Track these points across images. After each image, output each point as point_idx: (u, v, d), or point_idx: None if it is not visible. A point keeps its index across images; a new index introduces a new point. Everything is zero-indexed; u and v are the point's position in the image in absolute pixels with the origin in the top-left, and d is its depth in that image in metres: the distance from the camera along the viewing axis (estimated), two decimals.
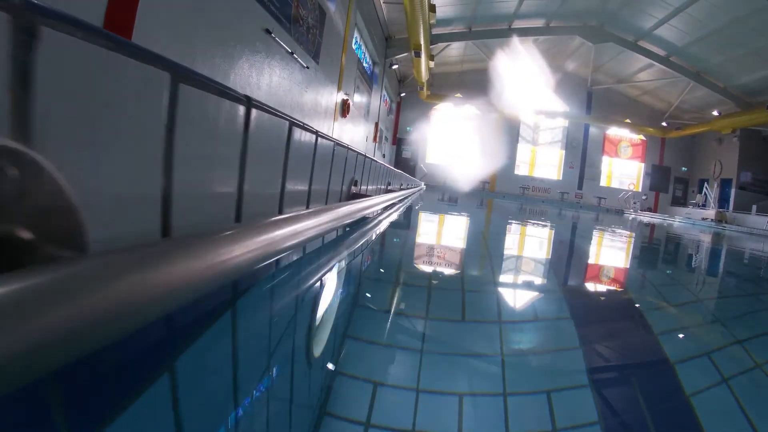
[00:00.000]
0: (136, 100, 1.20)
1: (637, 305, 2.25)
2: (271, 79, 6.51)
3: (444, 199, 13.94)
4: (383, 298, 1.87)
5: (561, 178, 27.65)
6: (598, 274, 3.20)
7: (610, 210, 24.40)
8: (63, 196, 0.84)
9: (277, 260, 1.67)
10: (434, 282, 2.20)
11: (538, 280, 2.70)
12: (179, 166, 1.37)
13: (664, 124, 25.80)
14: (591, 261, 3.99)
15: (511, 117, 26.27)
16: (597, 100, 26.68)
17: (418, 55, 15.24)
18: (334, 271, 2.16)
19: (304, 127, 2.46)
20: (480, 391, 1.09)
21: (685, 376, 1.32)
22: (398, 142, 26.77)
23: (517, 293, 2.16)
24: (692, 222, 20.11)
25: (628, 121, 26.53)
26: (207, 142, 1.54)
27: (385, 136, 23.39)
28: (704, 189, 24.56)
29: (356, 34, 13.36)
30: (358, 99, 14.32)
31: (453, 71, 25.52)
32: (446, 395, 1.04)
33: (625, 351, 1.51)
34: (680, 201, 27.67)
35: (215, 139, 1.60)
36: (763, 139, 22.83)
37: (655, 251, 5.89)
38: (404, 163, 26.14)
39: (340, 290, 1.89)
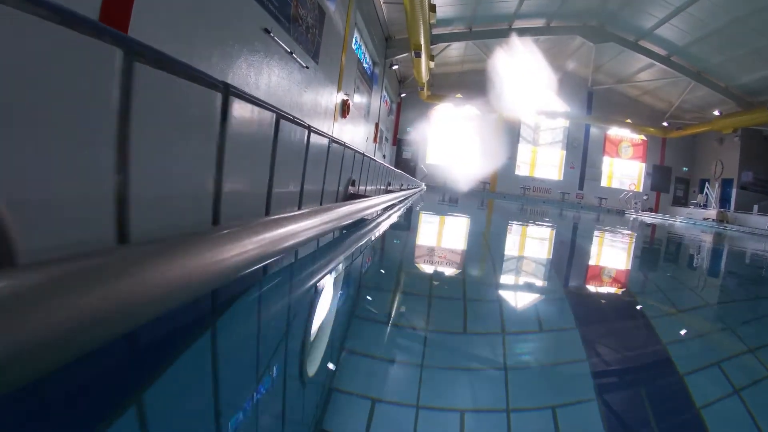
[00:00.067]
0: (77, 81, 0.98)
1: (645, 312, 2.18)
2: (270, 78, 6.46)
3: (444, 199, 13.89)
4: (380, 306, 1.78)
5: (562, 179, 27.59)
6: (604, 279, 3.13)
7: (611, 210, 24.33)
8: None
9: (265, 266, 1.49)
10: (435, 290, 2.11)
11: (543, 287, 2.61)
12: (141, 162, 1.16)
13: (665, 124, 25.73)
14: (596, 265, 3.90)
15: (511, 117, 26.22)
16: (598, 100, 26.62)
17: (418, 55, 15.19)
18: (330, 276, 2.04)
19: (294, 121, 2.26)
20: (483, 407, 1.04)
21: (697, 389, 1.27)
22: (398, 142, 26.72)
23: (521, 301, 2.07)
24: (693, 222, 20.05)
25: (628, 121, 26.48)
26: (172, 135, 1.31)
27: (386, 137, 23.33)
28: (705, 189, 24.50)
29: (356, 34, 13.31)
30: (358, 99, 14.27)
31: (453, 71, 25.47)
32: (447, 411, 0.98)
33: (634, 364, 1.45)
34: (681, 201, 27.60)
35: (184, 131, 1.37)
36: (765, 138, 22.76)
37: (661, 253, 5.83)
38: (404, 163, 26.09)
39: (335, 298, 1.77)
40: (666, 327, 1.90)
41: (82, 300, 0.62)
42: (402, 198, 6.71)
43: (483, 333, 1.46)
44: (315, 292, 1.75)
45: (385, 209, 4.85)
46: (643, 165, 28.31)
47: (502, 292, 2.24)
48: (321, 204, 2.84)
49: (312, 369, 1.13)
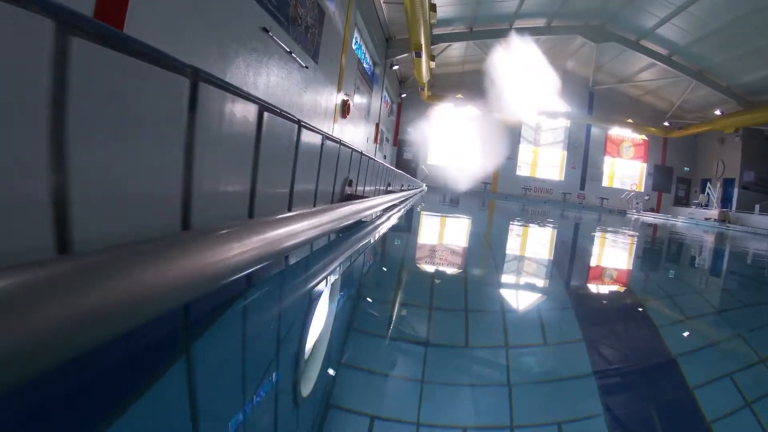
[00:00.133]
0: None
1: (654, 317, 2.11)
2: (269, 78, 6.41)
3: (445, 200, 13.83)
4: (377, 316, 1.68)
5: (563, 179, 27.53)
6: (609, 283, 3.06)
7: (612, 210, 24.26)
8: None
9: (249, 275, 1.35)
10: (436, 297, 2.03)
11: (548, 292, 2.51)
12: (83, 158, 0.96)
13: (666, 123, 25.67)
14: (601, 268, 3.81)
15: (512, 118, 26.14)
16: (599, 100, 26.57)
17: (418, 55, 15.15)
18: (324, 282, 1.94)
19: (282, 115, 2.01)
20: (487, 425, 0.98)
21: (706, 398, 1.22)
22: (399, 143, 26.66)
23: (526, 309, 1.98)
24: (695, 222, 19.97)
25: (630, 121, 26.42)
26: (132, 128, 1.07)
27: (386, 138, 23.29)
28: (707, 189, 24.43)
29: (356, 34, 13.27)
30: (358, 100, 14.22)
31: (454, 72, 25.43)
32: (450, 429, 0.93)
33: (642, 373, 1.40)
34: (683, 201, 27.53)
35: (142, 123, 1.11)
36: (766, 138, 22.69)
37: (667, 255, 5.76)
38: (405, 164, 26.05)
39: (328, 307, 1.66)
40: (676, 334, 1.84)
41: (72, 301, 0.60)
42: (402, 198, 6.59)
43: (488, 346, 1.39)
44: (307, 300, 1.66)
45: (385, 210, 4.78)
46: (645, 165, 28.25)
47: (506, 301, 2.16)
48: (315, 206, 2.60)
49: (306, 384, 1.07)
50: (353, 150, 3.66)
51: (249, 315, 1.36)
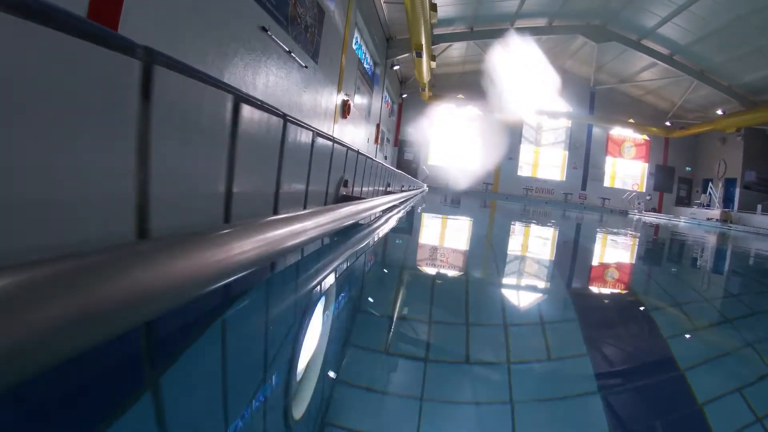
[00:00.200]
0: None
1: (660, 323, 2.05)
2: (267, 78, 6.36)
3: (446, 201, 13.77)
4: (371, 328, 1.56)
5: (564, 179, 27.45)
6: (616, 287, 3.00)
7: (614, 211, 24.20)
8: None
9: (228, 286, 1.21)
10: (436, 307, 1.95)
11: (553, 299, 2.42)
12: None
13: (667, 123, 25.59)
14: (606, 272, 3.71)
15: (513, 118, 26.10)
16: (600, 100, 26.50)
17: (419, 55, 15.09)
18: (316, 289, 1.81)
19: (263, 107, 1.80)
20: None
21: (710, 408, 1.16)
22: (400, 143, 26.60)
23: (532, 320, 1.89)
24: (698, 222, 19.89)
25: (631, 121, 26.35)
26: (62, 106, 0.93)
27: (387, 138, 23.24)
28: (709, 189, 24.35)
29: (356, 34, 13.22)
30: (358, 100, 14.17)
31: (455, 72, 25.38)
32: None
33: (649, 384, 1.34)
34: (684, 201, 27.46)
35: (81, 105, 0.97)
36: None
37: (673, 257, 5.70)
38: (406, 164, 26.00)
39: (320, 317, 1.53)
40: (685, 343, 1.78)
41: (80, 298, 0.61)
42: (402, 199, 6.48)
43: (491, 362, 1.33)
44: (294, 311, 1.55)
45: (385, 211, 4.70)
46: (646, 165, 28.18)
47: (510, 309, 2.08)
48: (305, 208, 2.41)
49: (300, 400, 1.01)
50: (348, 148, 3.41)
51: (229, 330, 1.28)
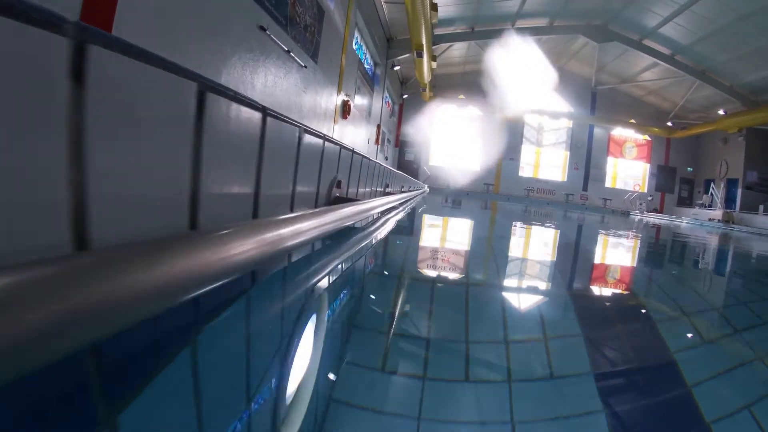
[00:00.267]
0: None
1: (667, 333, 1.98)
2: (266, 78, 6.30)
3: (447, 202, 13.70)
4: (367, 344, 1.42)
5: (566, 180, 27.39)
6: (623, 293, 2.92)
7: (615, 211, 24.12)
8: None
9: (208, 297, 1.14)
10: (433, 318, 1.86)
11: (558, 306, 2.35)
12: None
13: (669, 124, 25.53)
14: (612, 276, 3.60)
15: (514, 118, 26.08)
16: (601, 100, 26.44)
17: (420, 55, 15.03)
18: (308, 296, 1.71)
19: (237, 99, 1.59)
20: None
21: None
22: (401, 144, 26.55)
23: (535, 335, 1.82)
24: (700, 223, 19.82)
25: (632, 121, 26.29)
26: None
27: (388, 139, 23.18)
28: (710, 189, 24.29)
29: (357, 34, 13.17)
30: (359, 100, 14.11)
31: (455, 72, 25.32)
32: None
33: (654, 394, 1.28)
34: (686, 202, 27.40)
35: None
36: None
37: (679, 260, 5.61)
38: (407, 165, 25.96)
39: (309, 329, 1.41)
40: (692, 350, 1.71)
41: (77, 296, 0.62)
42: (402, 200, 6.35)
43: (494, 380, 1.26)
44: (287, 317, 1.47)
45: (383, 213, 4.61)
46: (648, 165, 28.12)
47: (512, 320, 2.01)
48: (291, 210, 2.17)
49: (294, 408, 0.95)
50: (342, 147, 3.17)
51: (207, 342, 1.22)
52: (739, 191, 22.99)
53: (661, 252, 6.07)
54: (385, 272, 2.53)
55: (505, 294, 2.28)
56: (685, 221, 20.32)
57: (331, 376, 1.10)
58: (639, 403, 1.17)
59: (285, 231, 1.24)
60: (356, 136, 14.10)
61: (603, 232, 8.39)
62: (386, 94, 20.21)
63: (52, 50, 0.89)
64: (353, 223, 2.87)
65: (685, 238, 9.48)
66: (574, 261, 4.17)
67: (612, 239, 6.91)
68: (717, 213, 21.69)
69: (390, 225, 4.37)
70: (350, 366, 1.17)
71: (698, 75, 20.73)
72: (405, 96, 25.95)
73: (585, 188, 27.13)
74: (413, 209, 7.62)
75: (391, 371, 1.15)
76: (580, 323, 1.88)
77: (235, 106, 1.59)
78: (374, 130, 17.80)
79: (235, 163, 1.64)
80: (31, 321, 0.55)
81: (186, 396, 0.90)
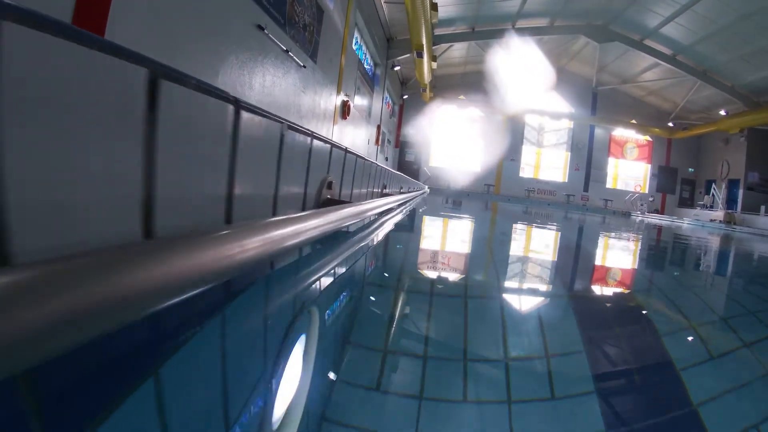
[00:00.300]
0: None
1: (672, 344, 1.90)
2: (264, 78, 6.24)
3: (447, 202, 13.62)
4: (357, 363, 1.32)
5: (566, 181, 27.34)
6: (635, 309, 2.84)
7: (617, 212, 24.06)
8: None
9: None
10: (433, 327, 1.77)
11: (562, 314, 2.29)
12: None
13: (670, 124, 25.49)
14: (621, 284, 3.48)
15: (515, 119, 26.06)
16: (602, 100, 26.39)
17: (420, 55, 14.97)
18: (298, 303, 1.63)
19: (204, 88, 1.36)
20: None
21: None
22: (401, 145, 26.50)
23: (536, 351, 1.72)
24: (701, 224, 19.74)
25: (633, 121, 26.23)
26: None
27: (388, 139, 23.13)
28: (712, 190, 24.24)
29: (356, 34, 13.11)
30: (359, 101, 14.06)
31: (456, 73, 25.29)
32: None
33: (657, 406, 1.22)
34: (687, 202, 27.34)
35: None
36: None
37: (687, 263, 5.53)
38: (408, 166, 25.92)
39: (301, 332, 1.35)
40: (701, 363, 1.64)
41: (76, 293, 0.62)
42: (400, 202, 6.21)
43: (495, 401, 1.20)
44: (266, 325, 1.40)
45: (380, 215, 4.51)
46: (649, 166, 28.07)
47: (514, 331, 1.93)
48: (274, 214, 1.96)
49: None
50: (333, 145, 2.93)
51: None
52: (741, 192, 22.94)
53: (667, 255, 6.00)
54: (378, 279, 2.40)
55: (507, 303, 2.20)
56: (686, 222, 20.25)
57: (318, 394, 1.04)
58: (642, 414, 1.11)
59: (253, 242, 1.06)
60: (356, 136, 14.04)
61: (605, 234, 8.32)
62: (386, 94, 20.16)
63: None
64: (346, 227, 2.79)
65: (690, 240, 9.41)
66: (577, 266, 4.10)
67: (614, 242, 6.85)
68: (718, 214, 21.63)
69: (385, 228, 4.20)
70: (341, 383, 1.11)
71: (699, 75, 20.66)
72: (405, 96, 25.90)
73: (586, 189, 27.07)
74: (412, 211, 7.48)
75: (386, 389, 1.09)
76: (586, 332, 1.81)
77: (199, 96, 1.36)
78: (374, 130, 17.74)
79: (202, 163, 1.42)
80: (28, 320, 0.55)
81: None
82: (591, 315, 2.13)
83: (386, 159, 22.33)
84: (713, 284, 3.80)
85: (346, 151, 3.35)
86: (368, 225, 3.80)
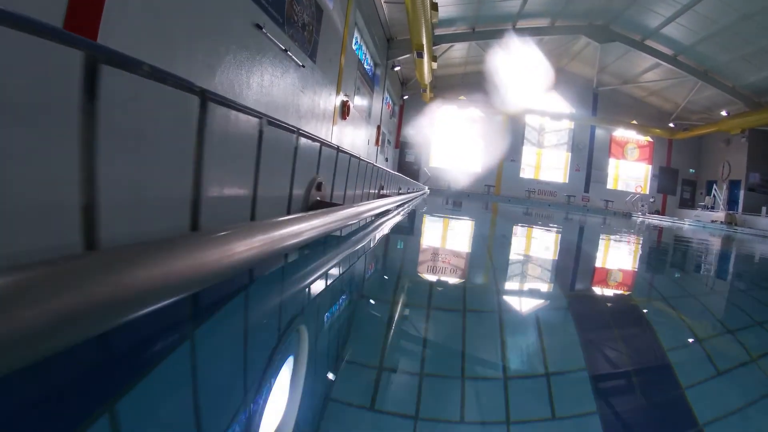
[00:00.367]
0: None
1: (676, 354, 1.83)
2: (262, 77, 6.17)
3: (447, 203, 13.53)
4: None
5: (567, 181, 27.29)
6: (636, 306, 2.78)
7: (617, 213, 23.99)
8: None
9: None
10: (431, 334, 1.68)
11: (563, 322, 2.22)
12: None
13: (671, 125, 25.44)
14: (628, 290, 3.41)
15: (515, 119, 26.02)
16: (603, 101, 26.33)
17: (420, 55, 14.91)
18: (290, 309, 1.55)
19: (156, 75, 1.13)
20: None
21: None
22: (402, 145, 26.44)
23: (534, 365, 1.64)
24: (702, 225, 19.67)
25: (634, 122, 26.18)
26: None
27: (388, 140, 23.07)
28: (713, 191, 24.18)
29: (356, 34, 13.04)
30: (358, 101, 13.99)
31: (456, 73, 25.23)
32: None
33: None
34: (688, 203, 27.29)
35: None
36: None
37: (692, 266, 5.46)
38: (408, 166, 25.88)
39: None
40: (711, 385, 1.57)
41: (77, 292, 0.62)
42: (398, 203, 6.04)
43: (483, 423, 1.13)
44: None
45: (377, 216, 4.40)
46: (650, 167, 28.03)
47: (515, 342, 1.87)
48: (252, 217, 1.78)
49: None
50: (323, 144, 2.70)
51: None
52: (742, 193, 22.91)
53: (672, 257, 5.92)
54: (370, 286, 2.30)
55: (507, 316, 2.13)
56: (687, 223, 20.18)
57: (308, 411, 0.97)
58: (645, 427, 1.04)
59: (213, 253, 0.94)
60: (356, 137, 13.98)
61: (606, 237, 8.24)
62: (386, 94, 20.10)
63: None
64: (339, 231, 2.68)
65: (695, 242, 9.34)
66: (581, 273, 4.03)
67: (615, 243, 6.78)
68: (720, 215, 21.58)
69: (381, 231, 4.02)
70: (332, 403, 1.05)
71: (700, 76, 20.61)
72: (405, 97, 25.85)
73: (587, 190, 27.01)
74: (409, 213, 7.32)
75: (380, 407, 1.02)
76: (590, 343, 1.74)
77: (156, 85, 1.16)
78: (374, 131, 17.68)
79: (159, 163, 1.23)
80: (30, 318, 0.55)
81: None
82: (594, 324, 2.07)
83: (386, 160, 22.27)
84: (724, 288, 3.73)
85: (338, 149, 3.17)
86: (363, 228, 3.69)
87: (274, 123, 1.90)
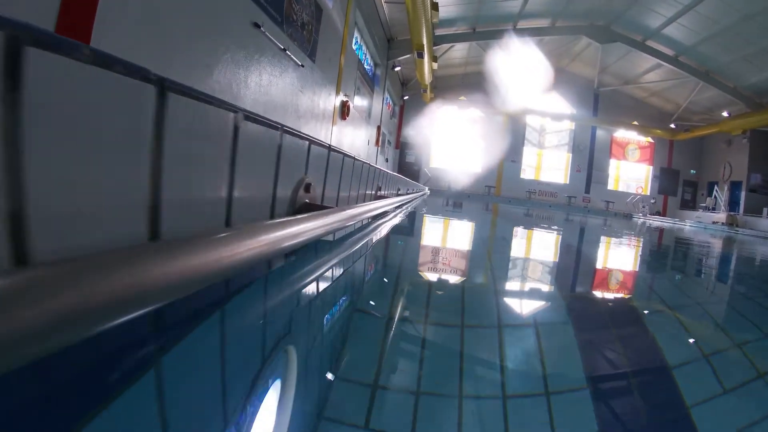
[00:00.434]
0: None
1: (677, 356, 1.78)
2: (260, 77, 6.12)
3: (447, 204, 13.48)
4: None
5: (568, 182, 27.25)
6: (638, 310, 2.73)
7: (618, 214, 23.94)
8: None
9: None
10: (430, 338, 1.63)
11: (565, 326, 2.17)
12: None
13: (672, 125, 25.39)
14: (631, 294, 3.35)
15: (516, 120, 25.98)
16: (604, 102, 26.29)
17: (420, 56, 14.87)
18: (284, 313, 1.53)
19: (98, 59, 0.95)
20: None
21: None
22: (402, 146, 26.41)
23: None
24: (703, 226, 19.62)
25: (635, 123, 26.14)
26: None
27: (388, 140, 23.02)
28: (714, 192, 24.13)
29: (356, 34, 13.00)
30: (358, 101, 13.94)
31: (457, 73, 25.18)
32: None
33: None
34: (689, 204, 27.24)
35: None
36: None
37: (694, 267, 5.41)
38: (408, 167, 25.84)
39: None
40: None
41: (68, 295, 0.61)
42: (397, 204, 5.93)
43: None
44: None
45: (374, 218, 4.33)
46: (651, 168, 27.98)
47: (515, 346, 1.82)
48: (227, 222, 1.61)
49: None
50: (312, 142, 2.51)
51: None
52: (743, 194, 22.87)
53: (672, 259, 5.88)
54: (365, 292, 2.24)
55: (507, 328, 2.08)
56: (688, 224, 20.13)
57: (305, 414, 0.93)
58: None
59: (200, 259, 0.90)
60: (356, 137, 13.93)
61: (607, 237, 8.20)
62: (387, 95, 20.05)
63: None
64: (332, 235, 2.58)
65: (695, 244, 9.29)
66: (582, 275, 3.98)
67: (615, 246, 6.73)
68: (721, 216, 21.53)
69: (378, 234, 3.97)
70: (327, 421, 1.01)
71: (702, 76, 20.56)
72: (406, 97, 25.80)
73: (587, 191, 26.97)
74: (408, 215, 7.21)
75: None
76: (591, 350, 1.70)
77: (100, 72, 0.99)
78: (374, 131, 17.63)
79: (109, 161, 1.07)
80: (30, 318, 0.55)
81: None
82: (594, 329, 2.02)
83: (386, 160, 22.23)
84: (725, 291, 3.68)
85: (329, 148, 3.00)
86: (359, 230, 3.61)
87: (252, 118, 1.73)
